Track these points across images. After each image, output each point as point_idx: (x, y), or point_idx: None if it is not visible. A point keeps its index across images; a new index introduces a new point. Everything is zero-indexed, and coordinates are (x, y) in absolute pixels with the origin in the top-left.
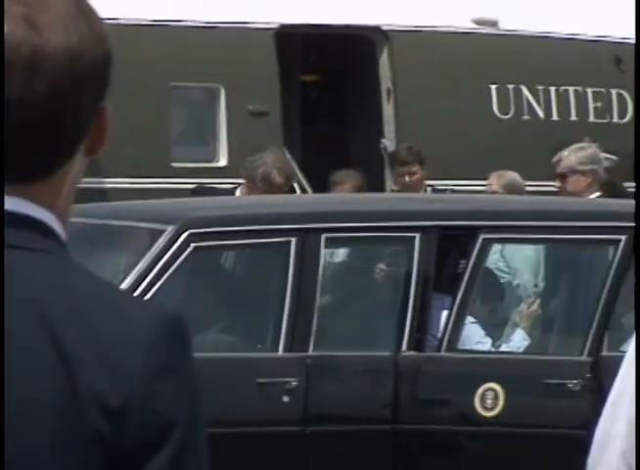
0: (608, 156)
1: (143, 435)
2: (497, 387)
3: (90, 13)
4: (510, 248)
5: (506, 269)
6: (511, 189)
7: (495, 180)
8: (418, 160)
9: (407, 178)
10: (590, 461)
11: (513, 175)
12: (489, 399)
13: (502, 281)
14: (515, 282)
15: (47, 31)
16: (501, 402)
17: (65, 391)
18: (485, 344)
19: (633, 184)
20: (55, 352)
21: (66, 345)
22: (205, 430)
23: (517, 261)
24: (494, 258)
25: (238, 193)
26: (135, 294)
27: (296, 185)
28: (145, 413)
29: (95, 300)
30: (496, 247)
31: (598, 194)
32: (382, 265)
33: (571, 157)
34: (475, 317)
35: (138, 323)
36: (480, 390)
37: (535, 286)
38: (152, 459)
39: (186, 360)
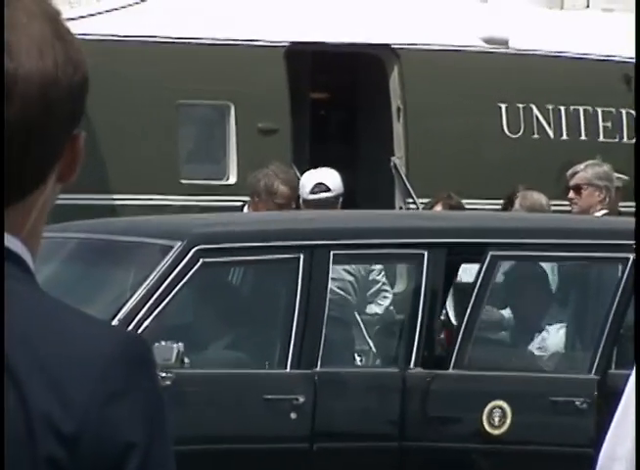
0: (619, 175)
1: (100, 460)
2: (504, 404)
3: (67, 38)
4: (522, 267)
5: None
6: (533, 211)
7: (519, 201)
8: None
9: None
10: None
11: (536, 197)
12: (497, 417)
13: None
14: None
15: (21, 55)
16: (508, 420)
17: (18, 417)
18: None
19: (633, 203)
20: (8, 376)
21: (17, 369)
22: (170, 450)
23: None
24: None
25: (245, 210)
26: (141, 309)
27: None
28: (100, 438)
29: (47, 322)
30: (504, 264)
31: (605, 212)
32: (389, 282)
33: (588, 170)
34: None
35: (92, 346)
36: (488, 407)
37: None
38: None
39: (144, 382)
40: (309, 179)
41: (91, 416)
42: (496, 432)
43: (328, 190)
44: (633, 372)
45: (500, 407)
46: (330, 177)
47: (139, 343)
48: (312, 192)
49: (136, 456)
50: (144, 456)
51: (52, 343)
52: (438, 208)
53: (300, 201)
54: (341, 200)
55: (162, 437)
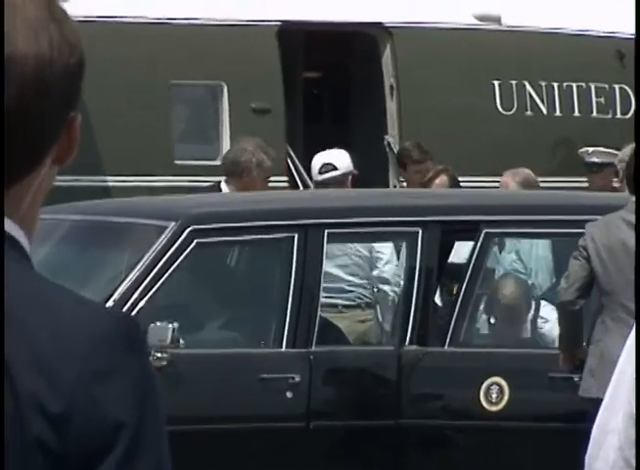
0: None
1: (89, 440)
2: (502, 381)
3: (63, 19)
4: (525, 247)
5: (522, 270)
6: (527, 186)
7: (511, 178)
8: (430, 157)
9: (422, 176)
10: (587, 456)
11: (527, 172)
12: (494, 394)
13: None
14: (529, 282)
15: (16, 38)
16: (506, 397)
17: (7, 398)
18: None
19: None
20: None
21: (4, 350)
22: (162, 430)
23: (532, 262)
24: (509, 258)
25: (226, 190)
26: (136, 290)
27: (298, 181)
28: (89, 418)
29: (38, 303)
30: (501, 242)
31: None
32: (384, 260)
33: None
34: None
35: (81, 326)
36: (485, 384)
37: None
38: (100, 464)
39: (133, 362)
40: (318, 160)
41: (79, 396)
42: (494, 408)
43: (335, 169)
44: (627, 347)
45: (498, 384)
46: (337, 157)
47: (129, 322)
48: (320, 172)
49: (125, 436)
50: (134, 436)
51: (42, 324)
52: (438, 181)
53: (312, 183)
54: (350, 178)
55: (154, 417)
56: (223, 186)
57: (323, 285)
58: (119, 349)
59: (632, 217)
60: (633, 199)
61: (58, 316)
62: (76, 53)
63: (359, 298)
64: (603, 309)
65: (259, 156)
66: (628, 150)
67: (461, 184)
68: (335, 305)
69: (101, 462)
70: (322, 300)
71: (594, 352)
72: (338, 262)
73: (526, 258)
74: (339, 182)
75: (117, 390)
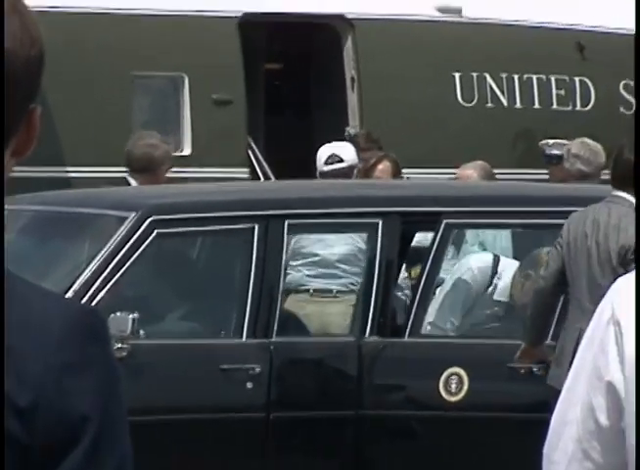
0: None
1: (55, 433)
2: (461, 371)
3: (24, 11)
4: (488, 237)
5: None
6: (488, 178)
7: (472, 170)
8: (378, 146)
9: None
10: (546, 447)
11: (485, 163)
12: (454, 384)
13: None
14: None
15: None
16: (465, 387)
17: None
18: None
19: None
20: None
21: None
22: (125, 423)
23: (496, 250)
24: (472, 249)
25: (134, 184)
26: (96, 281)
27: (259, 172)
28: (56, 411)
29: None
30: (461, 233)
31: None
32: (344, 251)
33: None
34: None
35: (46, 319)
36: (445, 375)
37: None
38: (66, 457)
39: (98, 354)
40: (324, 151)
41: (46, 388)
42: (453, 399)
43: (341, 161)
44: (586, 336)
45: (457, 374)
46: (343, 149)
47: (94, 315)
48: (326, 163)
49: (91, 428)
50: (99, 429)
51: (9, 317)
52: (381, 166)
53: (317, 173)
54: (355, 171)
55: (118, 409)
56: (131, 181)
57: (283, 276)
58: (86, 341)
59: (599, 215)
60: (614, 192)
61: (24, 310)
62: (37, 45)
63: (320, 288)
64: (570, 299)
65: (167, 149)
66: (577, 144)
67: (422, 175)
68: (295, 296)
69: (67, 454)
70: (282, 290)
71: (560, 340)
72: (298, 253)
73: (489, 249)
74: (344, 174)
75: (84, 382)
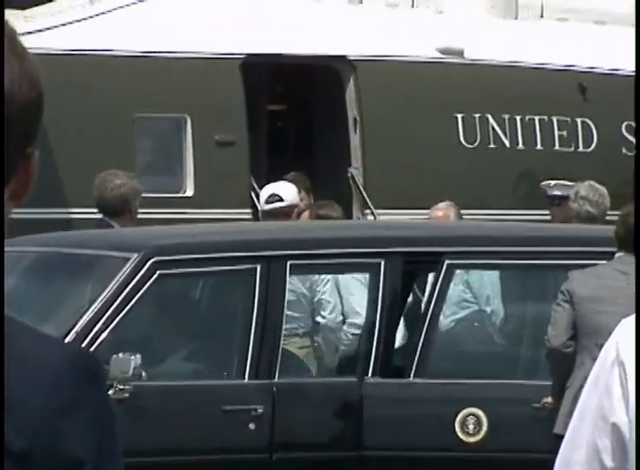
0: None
1: None
2: (478, 411)
3: (24, 55)
4: (477, 276)
5: (472, 300)
6: (459, 216)
7: (443, 211)
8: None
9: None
10: None
11: (452, 202)
12: (470, 425)
13: (469, 310)
14: (487, 309)
15: None
16: (484, 428)
17: None
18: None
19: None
20: None
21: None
22: (120, 466)
23: (487, 289)
24: (458, 289)
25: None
26: (98, 322)
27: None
28: (50, 454)
29: None
30: (461, 273)
31: None
32: (347, 292)
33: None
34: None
35: (42, 363)
36: (460, 416)
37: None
38: None
39: (93, 397)
40: (266, 191)
41: (40, 432)
42: (470, 439)
43: (281, 200)
44: (591, 377)
45: (474, 415)
46: (284, 189)
47: (88, 358)
48: (267, 202)
49: None
50: None
51: (6, 366)
52: (306, 215)
53: (259, 213)
54: (296, 211)
55: (113, 452)
56: (112, 223)
57: (286, 316)
58: (80, 384)
59: (626, 268)
60: (619, 254)
61: (20, 353)
62: (36, 89)
63: (322, 330)
64: (582, 351)
65: (132, 183)
66: (586, 187)
67: (424, 216)
68: (298, 337)
69: None
70: (285, 331)
71: (571, 393)
72: (300, 294)
73: (489, 288)
74: (284, 213)
75: (78, 425)
